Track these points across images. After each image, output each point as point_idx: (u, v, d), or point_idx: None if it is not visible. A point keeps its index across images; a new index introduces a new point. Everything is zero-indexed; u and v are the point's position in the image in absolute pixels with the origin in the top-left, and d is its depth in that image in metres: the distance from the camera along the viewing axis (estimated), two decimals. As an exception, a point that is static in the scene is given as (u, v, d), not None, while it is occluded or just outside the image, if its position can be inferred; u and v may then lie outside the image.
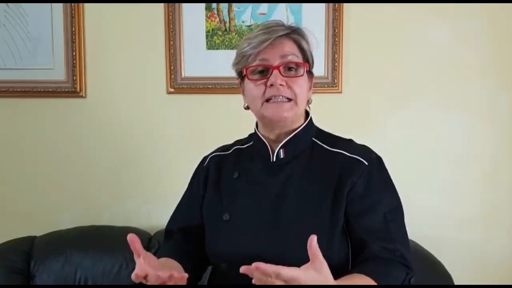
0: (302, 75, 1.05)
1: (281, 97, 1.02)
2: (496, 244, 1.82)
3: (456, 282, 1.54)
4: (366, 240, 1.00)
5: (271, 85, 1.02)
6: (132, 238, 0.86)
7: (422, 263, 1.56)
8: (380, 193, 1.03)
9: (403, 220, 1.06)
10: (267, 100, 1.03)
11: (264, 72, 1.04)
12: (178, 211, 1.22)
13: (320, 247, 0.80)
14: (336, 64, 1.77)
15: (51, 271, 1.57)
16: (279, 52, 1.03)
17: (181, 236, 1.17)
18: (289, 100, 1.03)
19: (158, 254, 1.08)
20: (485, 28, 1.78)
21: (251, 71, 1.05)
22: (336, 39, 1.76)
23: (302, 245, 0.97)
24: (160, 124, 1.83)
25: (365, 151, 1.08)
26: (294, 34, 1.06)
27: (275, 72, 1.02)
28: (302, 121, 1.10)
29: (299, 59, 1.05)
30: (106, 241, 1.65)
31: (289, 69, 1.04)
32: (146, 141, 1.83)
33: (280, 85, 1.02)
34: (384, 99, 1.80)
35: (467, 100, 1.80)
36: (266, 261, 0.99)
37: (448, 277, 1.53)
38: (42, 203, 1.84)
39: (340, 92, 1.79)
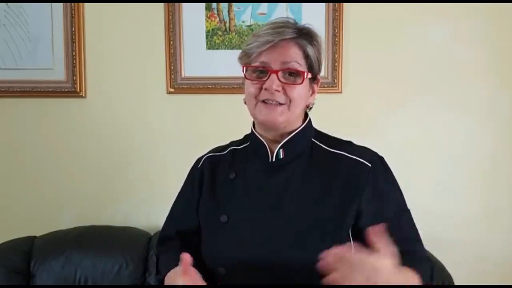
0: (300, 84, 1.02)
1: (275, 101, 1.01)
2: (496, 244, 1.82)
3: (456, 282, 1.54)
4: None
5: (266, 88, 1.00)
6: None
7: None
8: (388, 195, 1.03)
9: (411, 215, 1.06)
10: (261, 101, 1.02)
11: (264, 73, 1.02)
12: (173, 216, 1.18)
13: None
14: (336, 64, 1.77)
15: (51, 271, 1.57)
16: (281, 58, 1.00)
17: (180, 242, 1.13)
18: (282, 104, 1.01)
19: (161, 267, 1.08)
20: (485, 28, 1.78)
21: (251, 70, 1.03)
22: (336, 39, 1.76)
23: (302, 248, 0.95)
24: (159, 124, 1.83)
25: (365, 152, 1.07)
26: (301, 38, 1.02)
27: (273, 76, 1.00)
28: (300, 123, 1.09)
29: (301, 67, 1.02)
30: (106, 241, 1.65)
31: (290, 74, 1.02)
32: (145, 141, 1.83)
33: (276, 90, 1.00)
34: (384, 99, 1.80)
35: (467, 100, 1.80)
36: (264, 264, 0.97)
37: (448, 277, 1.53)
38: (42, 203, 1.84)
39: (340, 92, 1.79)
